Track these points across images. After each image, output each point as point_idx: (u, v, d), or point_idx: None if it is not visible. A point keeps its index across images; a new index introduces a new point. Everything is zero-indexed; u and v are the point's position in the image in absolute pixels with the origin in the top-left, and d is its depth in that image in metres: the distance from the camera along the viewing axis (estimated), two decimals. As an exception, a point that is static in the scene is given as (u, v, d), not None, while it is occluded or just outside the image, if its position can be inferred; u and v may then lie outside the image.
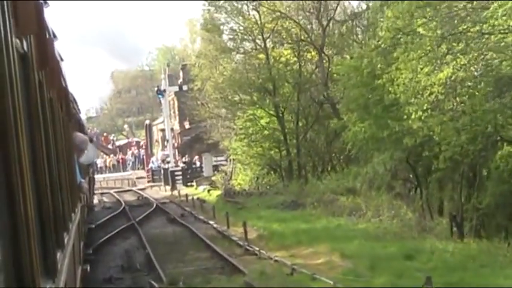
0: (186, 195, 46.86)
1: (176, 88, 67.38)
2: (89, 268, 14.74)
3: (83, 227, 16.91)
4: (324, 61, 43.07)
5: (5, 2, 3.10)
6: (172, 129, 67.03)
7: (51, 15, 9.64)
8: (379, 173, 34.97)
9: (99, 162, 74.12)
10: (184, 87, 64.09)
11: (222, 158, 62.53)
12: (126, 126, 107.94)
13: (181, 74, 76.24)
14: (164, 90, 63.94)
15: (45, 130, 5.42)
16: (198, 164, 65.34)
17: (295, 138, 44.26)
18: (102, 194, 59.32)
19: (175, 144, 69.36)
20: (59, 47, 9.25)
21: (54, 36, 8.21)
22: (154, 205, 43.98)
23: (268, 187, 43.33)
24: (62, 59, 10.61)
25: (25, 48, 4.15)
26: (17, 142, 3.12)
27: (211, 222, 32.73)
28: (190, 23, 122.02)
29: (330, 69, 42.66)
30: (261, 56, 44.98)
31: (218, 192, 47.13)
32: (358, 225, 28.65)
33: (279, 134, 45.13)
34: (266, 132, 45.07)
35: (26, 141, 3.58)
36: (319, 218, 31.72)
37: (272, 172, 46.02)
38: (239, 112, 46.77)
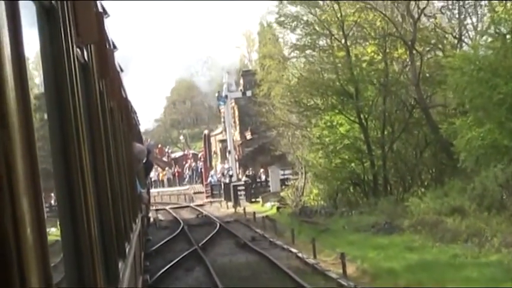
0: (254, 214, 40.96)
1: (239, 94, 61.65)
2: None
3: (143, 237, 16.73)
4: (415, 59, 36.90)
5: (66, 12, 3.19)
6: (232, 140, 61.19)
7: (111, 26, 8.60)
8: (489, 189, 28.86)
9: (153, 175, 68.56)
10: (248, 93, 58.39)
11: (289, 172, 56.67)
12: (181, 137, 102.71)
13: (241, 81, 70.75)
14: (226, 96, 58.20)
15: (105, 140, 5.47)
16: (262, 177, 59.30)
17: (381, 148, 38.08)
18: (157, 210, 53.74)
19: (236, 157, 63.53)
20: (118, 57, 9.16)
21: (114, 46, 8.50)
22: (218, 225, 38.24)
23: (349, 205, 37.20)
24: (121, 70, 10.66)
25: (86, 58, 4.29)
26: (78, 151, 3.17)
27: (292, 249, 26.82)
28: (248, 33, 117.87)
29: (422, 68, 36.43)
30: (341, 53, 39.00)
31: (289, 210, 41.15)
32: (483, 256, 22.45)
33: (361, 144, 39.04)
34: (346, 141, 38.98)
35: (88, 150, 3.61)
36: (424, 245, 25.59)
37: (352, 188, 39.87)
38: (314, 119, 40.74)
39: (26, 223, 1.70)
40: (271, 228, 35.07)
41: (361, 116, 38.32)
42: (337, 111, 38.75)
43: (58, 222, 3.06)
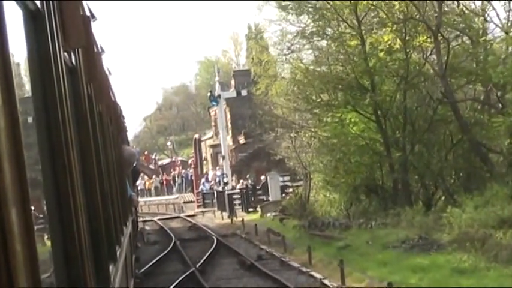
0: (255, 226, 35.84)
1: (233, 93, 56.48)
2: None
3: (134, 240, 17.01)
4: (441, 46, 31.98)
5: (53, 16, 3.18)
6: (226, 145, 56.05)
7: (98, 29, 8.78)
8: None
9: (140, 184, 63.33)
10: (243, 92, 53.35)
11: (287, 178, 51.69)
12: (169, 144, 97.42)
13: (232, 82, 65.84)
14: (219, 96, 52.94)
15: (95, 143, 5.43)
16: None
17: (401, 150, 33.06)
18: (144, 222, 48.50)
19: (229, 163, 58.30)
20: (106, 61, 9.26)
21: (102, 50, 8.34)
22: (215, 240, 33.12)
23: (366, 216, 32.13)
24: (110, 73, 10.85)
25: (73, 62, 4.29)
26: (67, 155, 3.14)
27: (312, 272, 21.81)
28: (235, 36, 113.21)
29: (448, 57, 31.49)
30: (354, 42, 34.00)
31: (295, 221, 36.03)
32: None
33: (378, 145, 34.04)
34: (361, 142, 33.94)
35: (77, 154, 3.65)
36: (476, 266, 20.70)
37: (368, 196, 34.77)
38: (324, 117, 35.69)
39: (15, 230, 1.66)
40: (278, 243, 30.09)
41: (378, 113, 33.30)
42: (350, 107, 33.68)
43: (47, 227, 3.02)
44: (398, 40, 33.29)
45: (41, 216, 3.03)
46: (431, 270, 20.74)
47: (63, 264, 3.05)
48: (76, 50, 4.43)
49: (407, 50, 33.26)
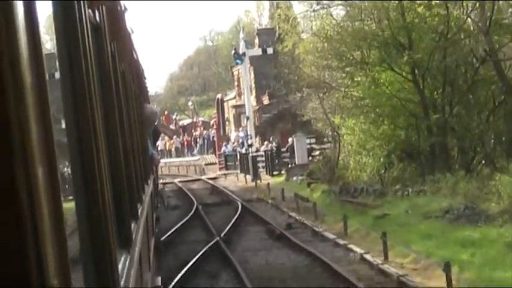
0: (282, 191, 33.85)
1: (258, 51, 54.14)
2: None
3: (155, 199, 16.33)
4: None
5: None
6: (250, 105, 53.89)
7: None
8: None
9: (160, 144, 61.42)
10: (269, 50, 51.05)
11: (314, 141, 49.57)
12: (190, 104, 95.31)
13: (256, 40, 63.43)
14: (243, 54, 50.55)
15: (118, 101, 5.46)
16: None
17: (440, 112, 30.83)
18: (164, 184, 46.61)
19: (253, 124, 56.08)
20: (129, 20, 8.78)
21: (125, 8, 7.93)
22: (239, 205, 31.17)
23: (401, 182, 30.02)
24: (132, 32, 10.06)
25: (98, 19, 4.30)
26: (91, 113, 3.14)
27: (349, 244, 19.79)
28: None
29: (493, 12, 29.07)
30: (390, -5, 31.63)
31: (324, 186, 34.00)
32: None
33: (414, 107, 31.76)
34: (396, 103, 31.67)
35: (100, 112, 3.65)
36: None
37: (404, 160, 32.50)
38: (357, 77, 33.42)
39: (41, 188, 1.62)
40: (307, 210, 28.17)
41: (416, 72, 31.02)
42: (385, 66, 31.38)
43: (71, 184, 3.05)
44: (438, -6, 30.90)
45: (66, 173, 3.02)
46: (482, 245, 18.71)
47: (86, 221, 3.02)
48: (100, 7, 4.41)
49: (448, 5, 30.82)
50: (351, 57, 32.95)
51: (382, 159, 32.59)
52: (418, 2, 31.04)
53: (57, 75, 3.00)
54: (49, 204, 1.69)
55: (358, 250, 18.58)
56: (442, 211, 23.18)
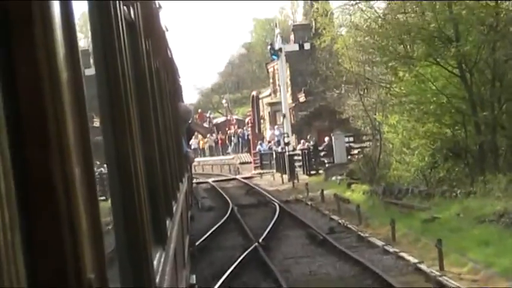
0: (322, 192, 32.39)
1: (295, 46, 52.66)
2: None
3: (189, 197, 16.23)
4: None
5: None
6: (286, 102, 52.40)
7: None
8: None
9: (193, 143, 60.15)
10: (306, 46, 49.59)
11: (352, 139, 48.08)
12: (224, 101, 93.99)
13: (292, 36, 62.04)
14: (280, 50, 49.06)
15: (152, 98, 5.48)
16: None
17: (489, 109, 29.15)
18: (198, 183, 45.35)
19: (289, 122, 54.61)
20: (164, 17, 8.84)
21: (160, 6, 8.06)
22: (277, 207, 29.77)
23: (449, 183, 28.41)
24: (167, 30, 10.27)
25: (132, 16, 4.29)
26: (127, 110, 3.14)
27: (400, 252, 18.27)
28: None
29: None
30: (435, -14, 29.99)
31: (365, 187, 32.46)
32: None
33: (461, 103, 30.10)
34: (442, 100, 30.02)
35: (136, 109, 3.67)
36: None
37: (451, 160, 30.78)
38: (399, 72, 31.83)
39: (77, 185, 1.64)
40: (349, 212, 26.74)
41: (463, 67, 29.35)
42: (430, 61, 29.74)
43: (108, 182, 3.08)
44: (487, -17, 29.21)
45: (102, 170, 3.04)
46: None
47: (122, 218, 3.03)
48: (135, 4, 4.41)
49: (498, -5, 29.13)
50: (394, 52, 31.33)
51: (427, 159, 30.93)
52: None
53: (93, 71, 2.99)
54: (86, 201, 1.71)
55: (411, 259, 17.03)
56: (496, 215, 21.51)
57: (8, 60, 1.50)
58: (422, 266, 16.09)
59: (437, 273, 15.40)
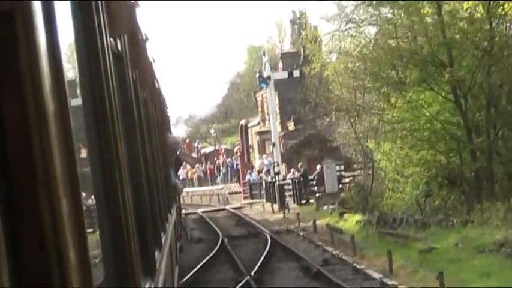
0: (314, 222, 31.54)
1: (284, 74, 52.08)
2: None
3: (178, 228, 16.73)
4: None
5: (99, 2, 3.17)
6: (276, 131, 51.65)
7: (143, 17, 8.51)
8: None
9: (182, 173, 59.27)
10: (295, 73, 48.96)
11: (342, 168, 47.44)
12: (212, 131, 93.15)
13: (280, 64, 61.54)
14: (268, 77, 48.39)
15: (140, 130, 5.44)
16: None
17: (484, 135, 28.49)
18: (186, 214, 44.42)
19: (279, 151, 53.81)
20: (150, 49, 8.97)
21: (146, 37, 8.14)
22: (268, 238, 28.88)
23: (444, 211, 27.63)
24: (154, 61, 10.29)
25: (119, 48, 4.30)
26: (114, 141, 3.13)
27: (398, 286, 17.39)
28: (279, 21, 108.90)
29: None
30: (427, 10, 29.43)
31: (358, 217, 31.61)
32: None
33: (456, 129, 29.41)
34: (437, 126, 29.33)
35: (123, 140, 3.63)
36: None
37: (441, 188, 30.02)
38: (392, 98, 31.17)
39: (65, 217, 1.62)
40: (342, 243, 25.90)
41: (458, 92, 28.70)
42: (425, 86, 29.08)
43: (96, 213, 3.06)
44: (480, 7, 28.67)
45: (90, 202, 3.02)
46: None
47: (111, 250, 3.00)
48: (122, 36, 4.42)
49: (492, 19, 28.57)
50: (387, 77, 30.67)
51: (421, 187, 30.17)
52: (458, 16, 28.72)
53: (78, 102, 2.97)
54: (73, 233, 1.68)
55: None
56: (496, 244, 20.70)
57: None
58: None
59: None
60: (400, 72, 30.67)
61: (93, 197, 3.07)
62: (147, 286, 4.19)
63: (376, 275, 18.97)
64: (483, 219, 24.35)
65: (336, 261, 22.46)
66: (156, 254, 5.41)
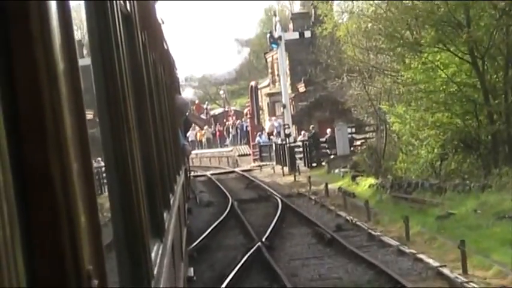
0: (326, 186, 30.88)
1: (295, 35, 51.10)
2: None
3: (186, 189, 16.33)
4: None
5: None
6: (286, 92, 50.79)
7: None
8: None
9: (191, 135, 58.58)
10: (307, 34, 48.00)
11: (354, 130, 46.72)
12: (221, 92, 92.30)
13: (291, 25, 60.46)
14: (279, 38, 47.44)
15: (149, 90, 5.44)
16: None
17: (503, 97, 27.66)
18: (195, 177, 43.82)
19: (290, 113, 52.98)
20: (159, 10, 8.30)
21: None
22: (279, 202, 28.21)
23: (461, 176, 26.90)
24: (163, 22, 10.32)
25: (128, 8, 4.25)
26: (123, 102, 3.12)
27: (417, 254, 16.70)
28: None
29: None
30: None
31: (371, 180, 30.93)
32: None
33: (473, 92, 28.56)
34: (453, 88, 28.48)
35: (132, 102, 3.64)
36: None
37: (457, 151, 29.24)
38: (407, 59, 30.27)
39: (75, 179, 1.61)
40: (356, 207, 25.27)
41: (475, 53, 27.81)
42: (441, 46, 28.19)
43: (105, 174, 3.04)
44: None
45: (100, 163, 2.96)
46: None
47: (120, 211, 3.01)
48: None
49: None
50: (401, 38, 29.75)
51: (436, 150, 29.35)
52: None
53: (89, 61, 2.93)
54: (83, 195, 1.69)
55: (431, 262, 15.48)
56: (512, 210, 20.03)
57: (6, 59, 1.49)
58: (445, 270, 14.52)
59: (463, 278, 13.85)
60: (415, 32, 29.70)
61: (101, 158, 3.03)
62: (155, 246, 4.23)
63: (393, 242, 18.33)
64: (501, 184, 23.60)
65: (350, 227, 21.81)
66: (165, 215, 5.39)
